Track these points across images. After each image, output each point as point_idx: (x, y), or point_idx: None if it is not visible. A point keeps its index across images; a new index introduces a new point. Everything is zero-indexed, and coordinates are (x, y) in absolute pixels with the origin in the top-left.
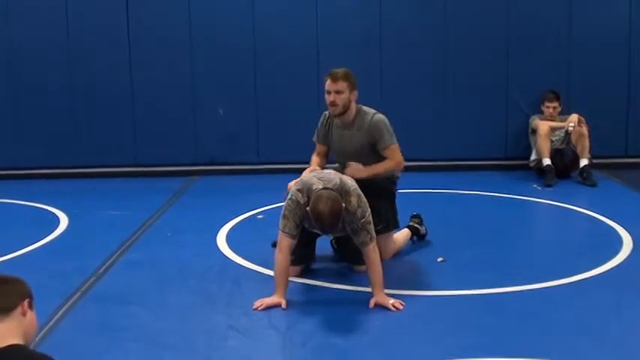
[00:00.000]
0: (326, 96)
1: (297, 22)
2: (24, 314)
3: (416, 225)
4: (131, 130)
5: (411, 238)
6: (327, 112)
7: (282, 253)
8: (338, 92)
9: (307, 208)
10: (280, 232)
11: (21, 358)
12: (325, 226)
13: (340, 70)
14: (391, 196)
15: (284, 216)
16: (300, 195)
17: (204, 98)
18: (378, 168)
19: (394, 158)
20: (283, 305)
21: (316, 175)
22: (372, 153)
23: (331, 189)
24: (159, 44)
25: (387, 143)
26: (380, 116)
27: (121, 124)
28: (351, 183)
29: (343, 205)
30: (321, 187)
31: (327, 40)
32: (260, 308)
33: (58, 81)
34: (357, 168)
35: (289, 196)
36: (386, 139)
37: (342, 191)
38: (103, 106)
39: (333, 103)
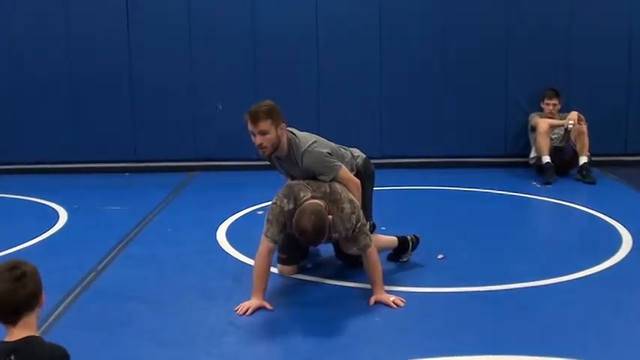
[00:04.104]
0: (252, 137)
1: (297, 17)
2: (41, 306)
3: (408, 239)
4: (130, 126)
5: (396, 249)
6: None
7: (261, 257)
8: (262, 133)
9: (293, 220)
10: (263, 235)
11: (34, 350)
12: (308, 242)
13: (260, 108)
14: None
15: (268, 220)
16: (285, 201)
17: (204, 94)
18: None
19: (348, 187)
20: (268, 307)
21: (305, 180)
22: None
23: (320, 197)
24: (158, 40)
25: (332, 176)
26: (308, 155)
27: (120, 120)
28: (341, 188)
29: (330, 218)
30: (309, 195)
31: (327, 35)
32: (248, 314)
33: (57, 75)
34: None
35: (274, 200)
36: (327, 174)
37: (333, 199)
38: (102, 102)
39: (261, 146)
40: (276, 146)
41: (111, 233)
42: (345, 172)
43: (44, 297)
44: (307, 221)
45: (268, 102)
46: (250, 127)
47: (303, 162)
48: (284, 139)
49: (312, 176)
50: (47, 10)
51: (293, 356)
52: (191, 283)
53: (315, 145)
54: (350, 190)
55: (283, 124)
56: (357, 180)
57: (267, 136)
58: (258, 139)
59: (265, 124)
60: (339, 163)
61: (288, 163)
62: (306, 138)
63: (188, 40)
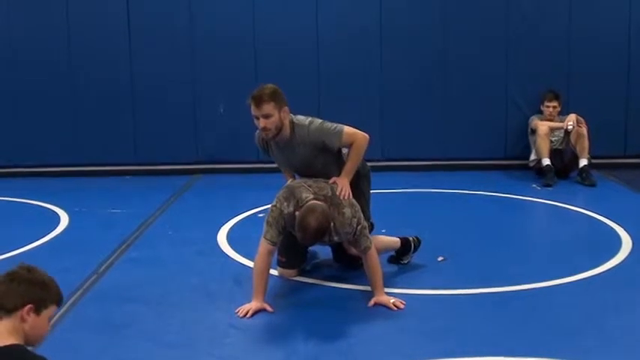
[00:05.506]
0: (255, 121)
1: (298, 18)
2: (23, 320)
3: (410, 240)
4: (132, 128)
5: (397, 251)
6: (259, 131)
7: (260, 259)
8: (266, 116)
9: (296, 213)
10: (262, 237)
11: (16, 357)
12: (305, 240)
13: (263, 92)
14: (358, 192)
15: (267, 222)
16: (285, 203)
17: (205, 96)
18: (353, 160)
19: (355, 139)
20: (268, 309)
21: (306, 182)
22: (323, 156)
23: (322, 200)
24: (159, 42)
25: (338, 136)
26: (314, 123)
27: (121, 122)
28: None
29: (332, 224)
30: (311, 196)
31: (328, 37)
32: (248, 316)
33: (57, 78)
34: (342, 184)
35: (274, 203)
36: (334, 136)
37: (334, 203)
38: (103, 104)
39: (265, 129)
40: (279, 129)
41: (112, 236)
42: (349, 128)
43: (26, 308)
44: (314, 220)
45: (271, 85)
46: (254, 110)
47: (311, 133)
48: (286, 122)
49: (310, 160)
50: (48, 12)
51: (294, 358)
52: (192, 285)
53: (312, 119)
54: (355, 149)
55: (286, 107)
56: (360, 134)
57: (271, 119)
58: (261, 123)
59: (269, 107)
60: (340, 125)
61: (289, 148)
62: (303, 117)
63: (189, 42)
